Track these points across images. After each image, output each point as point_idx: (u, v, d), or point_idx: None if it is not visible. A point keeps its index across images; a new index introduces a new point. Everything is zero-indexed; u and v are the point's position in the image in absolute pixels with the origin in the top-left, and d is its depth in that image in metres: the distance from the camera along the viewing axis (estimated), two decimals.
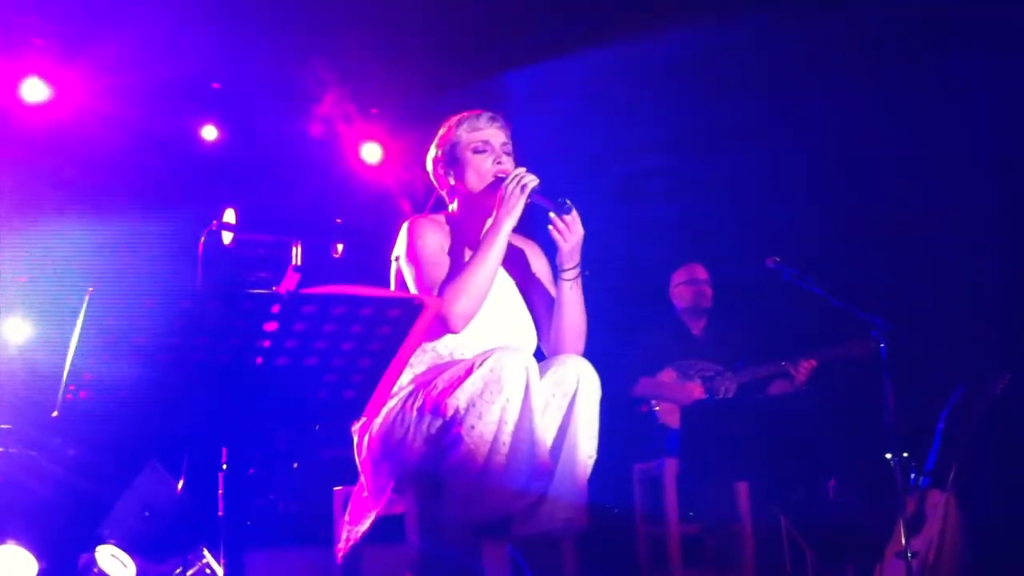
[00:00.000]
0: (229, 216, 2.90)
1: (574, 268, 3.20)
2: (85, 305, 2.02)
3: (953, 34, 5.50)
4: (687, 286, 5.53)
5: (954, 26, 5.44)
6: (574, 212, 3.14)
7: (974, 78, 5.60)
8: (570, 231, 3.15)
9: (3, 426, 4.84)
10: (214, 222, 2.53)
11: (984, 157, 5.70)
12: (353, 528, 3.05)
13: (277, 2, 5.62)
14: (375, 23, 5.81)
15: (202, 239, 2.52)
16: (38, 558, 4.25)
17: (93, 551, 4.25)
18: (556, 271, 3.24)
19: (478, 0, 5.62)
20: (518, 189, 3.08)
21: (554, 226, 3.15)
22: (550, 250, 3.32)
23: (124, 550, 4.28)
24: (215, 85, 6.19)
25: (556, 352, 3.22)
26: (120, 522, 4.43)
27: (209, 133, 6.27)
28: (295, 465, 5.26)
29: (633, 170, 6.38)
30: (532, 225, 3.28)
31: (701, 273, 5.54)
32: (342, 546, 3.08)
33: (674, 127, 6.20)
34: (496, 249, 3.06)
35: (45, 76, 5.72)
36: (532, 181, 3.10)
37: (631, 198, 6.32)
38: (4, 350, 5.65)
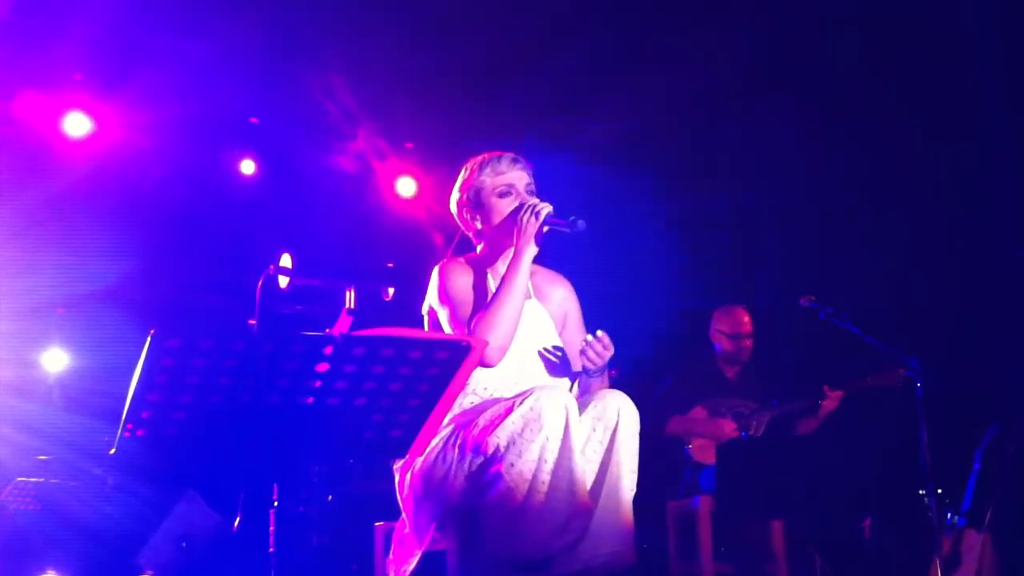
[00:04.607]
0: (286, 261, 2.95)
1: (600, 372, 3.18)
2: (146, 346, 2.06)
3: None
4: (729, 340, 5.50)
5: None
6: (606, 338, 3.09)
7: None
8: (600, 358, 3.11)
9: (42, 456, 4.90)
10: (271, 266, 2.58)
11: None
12: (400, 568, 3.07)
13: (310, 40, 5.70)
14: (408, 59, 5.88)
15: (259, 283, 2.57)
16: None
17: None
18: (584, 370, 3.17)
19: (506, 35, 5.68)
20: (532, 217, 3.12)
21: (585, 355, 3.11)
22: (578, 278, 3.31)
23: None
24: (253, 120, 6.27)
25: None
26: (158, 552, 4.47)
27: (247, 167, 6.35)
28: (329, 498, 5.28)
29: (672, 206, 6.38)
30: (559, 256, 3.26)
31: (744, 325, 5.49)
32: None
33: (712, 162, 6.22)
34: (519, 278, 3.10)
35: (86, 110, 5.81)
36: (545, 208, 3.13)
37: (669, 232, 6.32)
38: (43, 380, 5.72)
